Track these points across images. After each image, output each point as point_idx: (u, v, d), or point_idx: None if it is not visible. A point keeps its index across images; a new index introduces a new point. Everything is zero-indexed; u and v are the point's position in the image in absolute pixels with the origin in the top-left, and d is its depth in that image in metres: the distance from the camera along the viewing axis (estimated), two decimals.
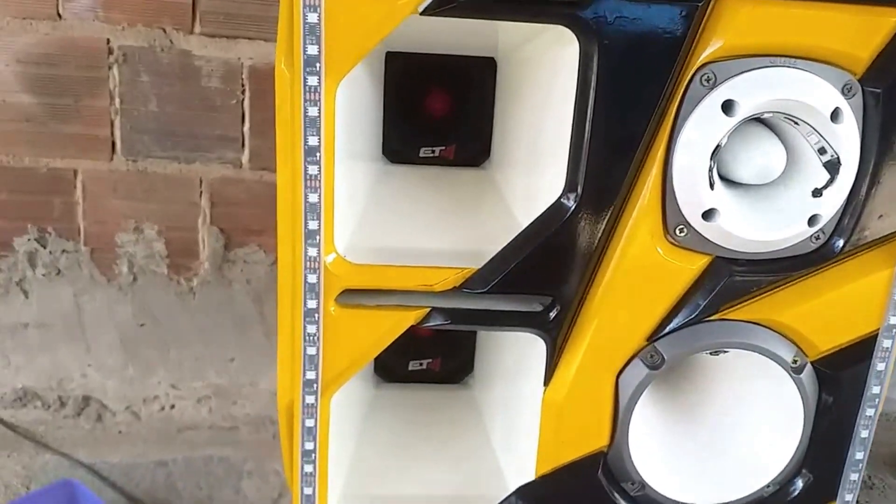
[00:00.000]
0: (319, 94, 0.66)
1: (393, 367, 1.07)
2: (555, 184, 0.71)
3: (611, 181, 0.70)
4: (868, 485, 1.25)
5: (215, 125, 1.18)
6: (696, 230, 0.71)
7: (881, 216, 0.74)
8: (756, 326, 0.76)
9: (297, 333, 0.73)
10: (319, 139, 0.67)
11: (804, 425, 0.79)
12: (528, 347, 0.79)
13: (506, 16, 0.68)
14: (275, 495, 1.19)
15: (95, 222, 1.22)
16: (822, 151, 0.69)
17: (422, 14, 0.65)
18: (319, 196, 0.69)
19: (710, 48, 0.67)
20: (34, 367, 1.28)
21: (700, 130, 0.68)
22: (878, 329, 0.77)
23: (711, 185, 0.69)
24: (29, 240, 1.22)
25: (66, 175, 1.19)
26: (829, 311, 0.76)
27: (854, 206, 0.73)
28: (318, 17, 0.63)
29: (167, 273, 1.25)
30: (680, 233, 0.72)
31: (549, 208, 0.71)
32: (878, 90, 0.69)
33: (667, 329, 0.75)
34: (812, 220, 0.71)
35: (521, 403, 0.83)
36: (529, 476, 0.80)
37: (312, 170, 0.68)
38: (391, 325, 0.74)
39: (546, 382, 0.77)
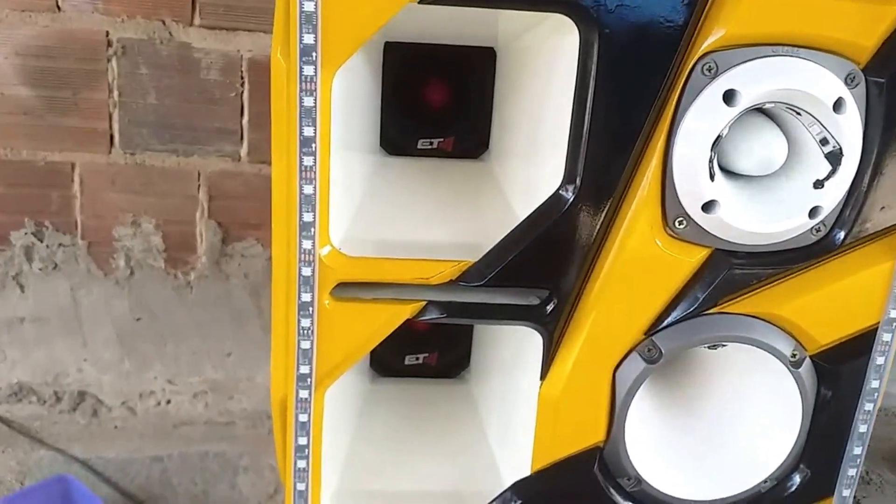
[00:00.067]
0: (315, 84, 0.65)
1: (389, 361, 1.06)
2: (554, 175, 0.71)
3: (610, 172, 0.69)
4: (865, 480, 1.24)
5: (214, 118, 1.18)
6: (695, 222, 0.71)
7: (883, 208, 0.73)
8: (755, 320, 0.75)
9: (291, 327, 0.72)
10: (315, 130, 0.66)
11: (802, 420, 0.78)
12: (525, 341, 0.78)
13: (505, 4, 0.67)
14: (270, 491, 1.19)
15: (93, 216, 1.21)
16: (823, 142, 0.69)
17: (420, 2, 0.64)
18: (315, 188, 0.68)
19: (711, 37, 0.66)
20: (30, 362, 1.27)
21: (701, 120, 0.67)
22: (878, 323, 0.76)
23: (712, 177, 0.68)
24: (26, 233, 1.21)
25: (64, 168, 1.19)
26: (828, 304, 0.75)
27: (856, 197, 0.73)
28: (315, 5, 0.63)
29: (164, 267, 1.25)
30: (679, 225, 0.71)
31: (547, 200, 0.71)
32: (882, 80, 0.69)
33: (665, 322, 0.74)
34: (813, 212, 0.71)
35: (517, 398, 0.83)
36: (525, 471, 0.79)
37: (308, 161, 0.67)
38: (387, 318, 0.73)
39: (542, 377, 0.76)
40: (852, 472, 0.81)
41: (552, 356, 0.76)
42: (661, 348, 0.75)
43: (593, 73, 0.66)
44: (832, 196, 0.71)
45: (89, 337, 1.27)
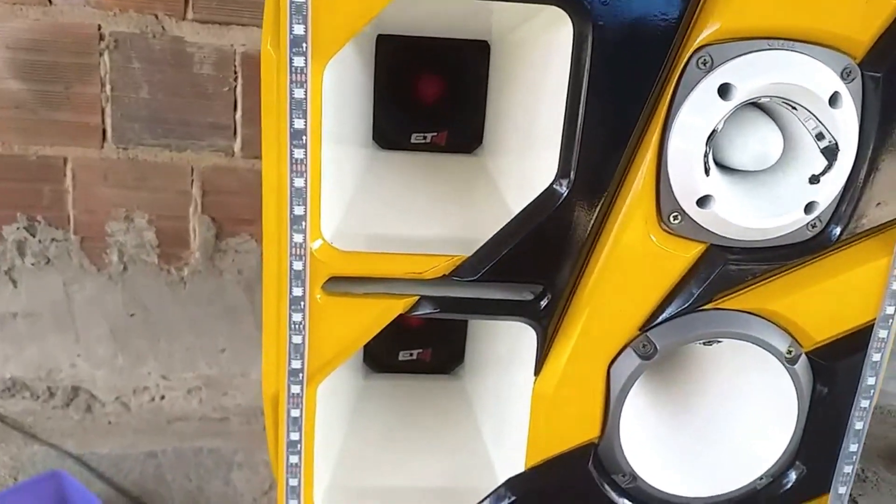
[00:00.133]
0: (306, 76, 0.64)
1: (382, 357, 1.06)
2: (548, 170, 0.70)
3: (604, 167, 0.69)
4: (861, 478, 1.24)
5: (207, 113, 1.17)
6: (690, 217, 0.70)
7: (879, 204, 0.73)
8: (750, 316, 0.75)
9: (282, 322, 0.72)
10: (306, 122, 0.66)
11: (798, 417, 0.78)
12: (519, 337, 0.78)
13: None
14: (265, 487, 1.18)
15: (85, 211, 1.21)
16: (819, 137, 0.68)
17: None
18: (305, 181, 0.67)
19: (706, 30, 0.65)
20: (23, 358, 1.27)
21: (696, 115, 0.67)
22: (874, 319, 0.76)
23: (707, 171, 0.68)
24: (18, 228, 1.21)
25: (56, 163, 1.18)
26: (824, 300, 0.75)
27: (852, 193, 0.72)
28: None
29: (158, 262, 1.24)
30: (674, 220, 0.70)
31: (540, 195, 0.70)
32: (878, 74, 0.68)
33: (660, 318, 0.74)
34: (809, 208, 0.70)
35: (511, 394, 0.82)
36: (519, 467, 0.79)
37: (298, 153, 0.66)
38: (379, 313, 0.73)
39: (536, 372, 0.76)
40: (848, 468, 0.81)
41: (546, 352, 0.75)
42: (655, 344, 0.74)
43: (587, 66, 0.65)
44: (828, 191, 0.70)
45: (82, 332, 1.27)
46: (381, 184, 0.87)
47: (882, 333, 0.76)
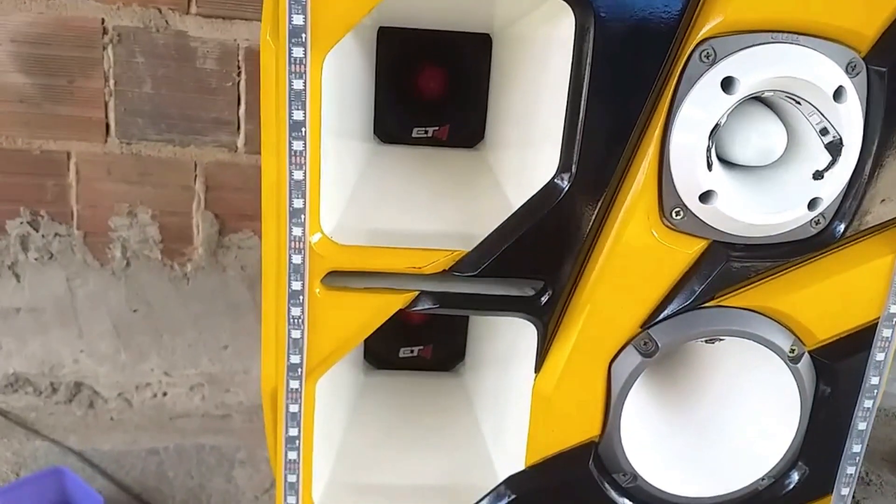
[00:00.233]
0: (305, 67, 0.64)
1: (383, 353, 1.06)
2: (549, 165, 0.70)
3: (606, 161, 0.68)
4: (865, 481, 1.23)
5: (210, 108, 1.17)
6: (692, 213, 0.70)
7: (884, 200, 0.72)
8: (753, 314, 0.74)
9: (281, 316, 0.71)
10: (305, 114, 0.65)
11: (801, 417, 0.77)
12: (520, 334, 0.77)
13: None
14: (266, 484, 1.18)
15: (89, 206, 1.21)
16: (823, 132, 0.67)
17: None
18: (304, 173, 0.67)
19: (710, 23, 0.65)
20: (26, 353, 1.27)
21: (698, 108, 0.66)
22: (879, 318, 0.75)
23: (709, 166, 0.67)
24: (21, 223, 1.21)
25: (60, 157, 1.18)
26: (828, 298, 0.74)
27: (856, 189, 0.71)
28: None
29: (161, 258, 1.24)
30: (676, 215, 0.70)
31: (541, 189, 0.70)
32: (884, 69, 0.67)
33: (661, 315, 0.73)
34: (812, 204, 0.70)
35: (511, 391, 0.82)
36: (519, 465, 0.78)
37: (297, 145, 0.66)
38: (378, 308, 0.72)
39: (537, 370, 0.75)
40: (851, 469, 0.80)
41: (547, 349, 0.75)
42: (657, 342, 0.73)
43: (589, 59, 0.65)
44: (832, 187, 0.70)
45: (85, 328, 1.26)
46: (381, 178, 0.87)
47: (886, 332, 0.75)
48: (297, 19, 0.62)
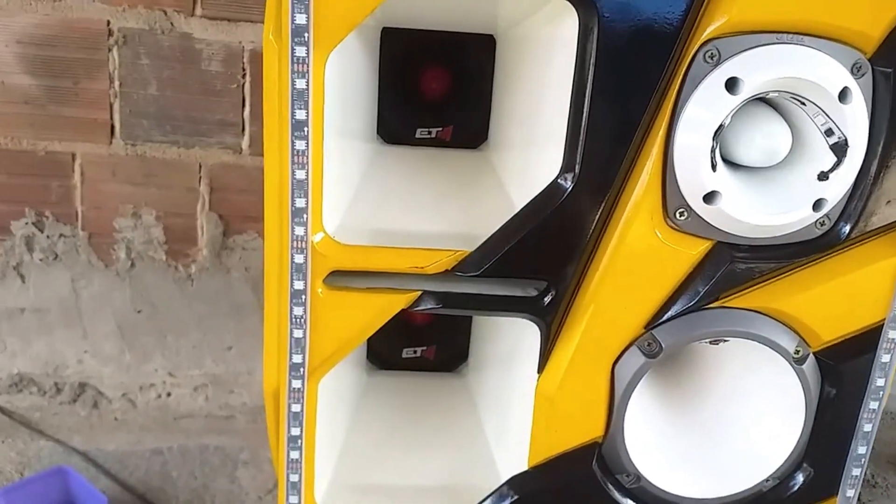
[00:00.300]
0: (307, 66, 0.64)
1: (386, 354, 1.06)
2: (552, 165, 0.70)
3: (609, 161, 0.68)
4: (871, 483, 1.22)
5: (215, 110, 1.17)
6: (696, 213, 0.69)
7: (890, 201, 0.72)
8: (757, 315, 0.74)
9: (283, 315, 0.71)
10: (307, 113, 0.65)
11: (805, 418, 0.77)
12: (523, 334, 0.77)
13: None
14: (270, 485, 1.18)
15: (93, 207, 1.21)
16: (828, 133, 0.67)
17: None
18: (307, 173, 0.67)
19: (714, 23, 0.65)
20: (30, 353, 1.27)
21: (703, 109, 0.66)
22: (884, 319, 0.75)
23: (714, 167, 0.67)
24: (26, 224, 1.21)
25: (65, 158, 1.18)
26: (833, 299, 0.74)
27: (861, 190, 0.71)
28: None
29: (165, 259, 1.24)
30: (680, 216, 0.70)
31: (545, 189, 0.70)
32: (889, 70, 0.67)
33: (665, 316, 0.73)
34: (817, 205, 0.69)
35: (514, 392, 0.82)
36: (522, 466, 0.78)
37: (300, 145, 0.66)
38: (381, 308, 0.72)
39: (540, 370, 0.75)
40: (856, 471, 0.79)
41: (550, 349, 0.75)
42: (661, 343, 0.73)
43: (593, 59, 0.65)
44: (837, 188, 0.69)
45: (90, 328, 1.27)
46: (384, 179, 0.86)
47: (892, 334, 0.75)
48: (300, 18, 0.62)
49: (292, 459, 0.76)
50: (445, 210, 0.79)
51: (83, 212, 1.21)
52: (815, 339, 0.75)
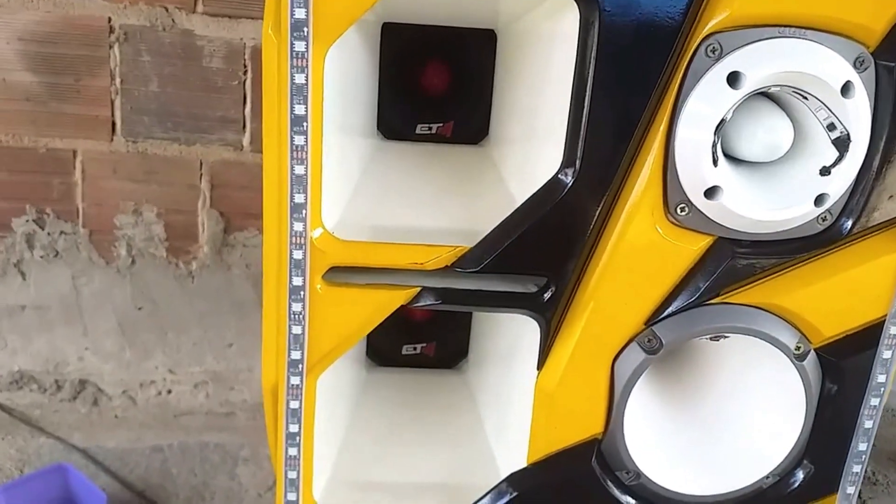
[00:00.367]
0: (307, 61, 0.63)
1: (386, 350, 1.05)
2: (553, 160, 0.69)
3: (610, 156, 0.68)
4: (872, 481, 1.22)
5: (216, 106, 1.17)
6: (697, 209, 0.69)
7: (892, 196, 0.71)
8: (758, 311, 0.74)
9: (282, 311, 0.71)
10: (307, 108, 0.65)
11: (806, 415, 0.77)
12: (523, 330, 0.77)
13: None
14: (270, 482, 1.17)
15: (94, 204, 1.21)
16: (831, 127, 0.67)
17: None
18: (306, 168, 0.67)
19: (715, 17, 0.64)
20: (31, 350, 1.27)
21: (704, 103, 0.65)
22: (886, 315, 0.74)
23: (715, 162, 0.67)
24: (27, 221, 1.21)
25: (66, 155, 1.18)
26: (834, 295, 0.74)
27: (864, 185, 0.71)
28: None
29: (166, 256, 1.24)
30: (681, 211, 0.69)
31: (545, 184, 0.69)
32: (892, 64, 0.67)
33: (666, 312, 0.73)
34: (819, 200, 0.69)
35: (514, 388, 0.81)
36: (521, 463, 0.78)
37: (299, 140, 0.66)
38: (380, 304, 0.72)
39: (539, 367, 0.75)
40: (857, 468, 0.79)
41: (549, 346, 0.74)
42: (661, 339, 0.73)
43: (594, 53, 0.64)
44: (839, 184, 0.69)
45: (90, 325, 1.27)
46: (384, 175, 0.86)
47: (893, 330, 0.74)
48: (300, 13, 0.62)
49: (291, 456, 0.76)
50: (445, 206, 0.79)
51: (84, 209, 1.21)
52: (816, 335, 0.75)
